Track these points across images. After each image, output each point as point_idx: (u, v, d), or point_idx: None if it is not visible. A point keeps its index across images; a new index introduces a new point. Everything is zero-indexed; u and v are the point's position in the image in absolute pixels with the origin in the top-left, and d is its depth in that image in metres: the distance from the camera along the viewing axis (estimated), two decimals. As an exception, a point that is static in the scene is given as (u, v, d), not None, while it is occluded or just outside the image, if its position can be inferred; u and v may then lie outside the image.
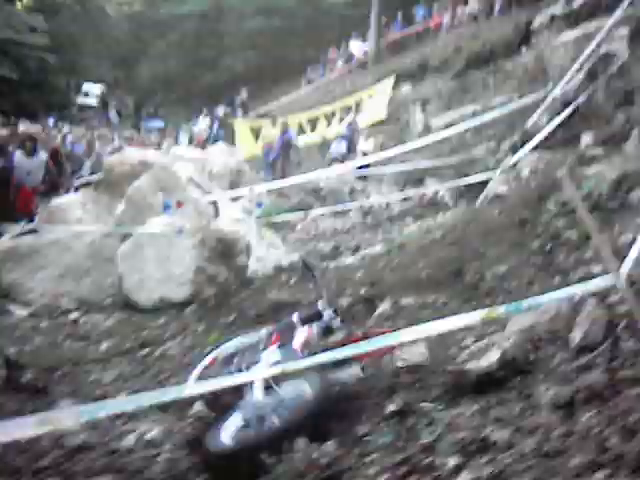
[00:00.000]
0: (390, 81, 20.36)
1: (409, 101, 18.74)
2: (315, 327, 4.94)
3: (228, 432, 3.99)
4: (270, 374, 4.21)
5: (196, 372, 4.94)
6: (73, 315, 7.97)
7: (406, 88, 19.82)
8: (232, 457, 3.90)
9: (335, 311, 5.07)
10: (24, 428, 3.83)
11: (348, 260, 9.15)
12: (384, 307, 6.59)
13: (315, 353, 4.32)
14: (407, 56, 22.53)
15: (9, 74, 26.12)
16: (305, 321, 5.00)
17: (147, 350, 6.90)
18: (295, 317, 5.05)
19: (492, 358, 4.18)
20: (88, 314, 8.01)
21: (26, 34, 26.33)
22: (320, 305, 5.05)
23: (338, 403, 4.42)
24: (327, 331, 4.99)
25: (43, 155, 11.91)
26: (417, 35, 24.80)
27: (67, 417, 3.96)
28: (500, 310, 4.13)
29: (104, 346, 7.04)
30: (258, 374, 4.35)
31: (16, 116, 22.29)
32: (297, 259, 8.19)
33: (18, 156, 11.69)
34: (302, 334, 4.88)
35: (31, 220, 10.26)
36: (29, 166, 11.69)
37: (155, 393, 4.39)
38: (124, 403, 4.47)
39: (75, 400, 5.51)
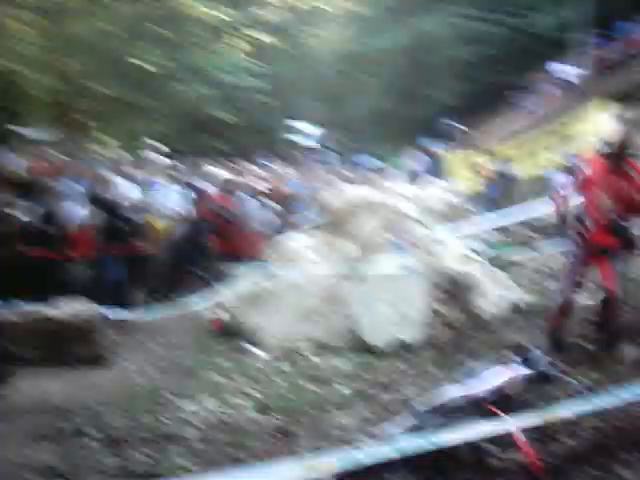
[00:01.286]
0: (607, 106, 19.43)
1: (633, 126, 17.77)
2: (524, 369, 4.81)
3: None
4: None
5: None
6: (312, 359, 8.10)
7: (630, 113, 18.83)
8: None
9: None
10: (286, 473, 3.89)
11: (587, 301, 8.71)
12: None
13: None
14: (623, 77, 21.52)
15: (231, 118, 27.59)
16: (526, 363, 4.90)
17: (387, 394, 6.89)
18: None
19: None
20: (326, 357, 8.11)
21: (248, 79, 27.70)
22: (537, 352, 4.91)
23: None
24: (542, 378, 4.85)
25: (269, 204, 12.50)
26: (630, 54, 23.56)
27: (323, 464, 3.98)
28: None
29: (344, 390, 7.10)
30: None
31: (236, 158, 23.40)
32: (530, 303, 7.93)
33: (245, 200, 12.31)
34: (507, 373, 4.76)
35: (258, 263, 10.63)
36: (255, 210, 12.28)
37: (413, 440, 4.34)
38: (379, 451, 4.44)
39: (321, 445, 5.57)
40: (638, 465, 4.52)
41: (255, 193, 12.77)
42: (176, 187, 13.26)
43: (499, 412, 4.78)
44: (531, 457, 4.54)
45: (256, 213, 12.62)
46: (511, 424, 4.59)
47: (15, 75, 20.93)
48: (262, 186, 14.31)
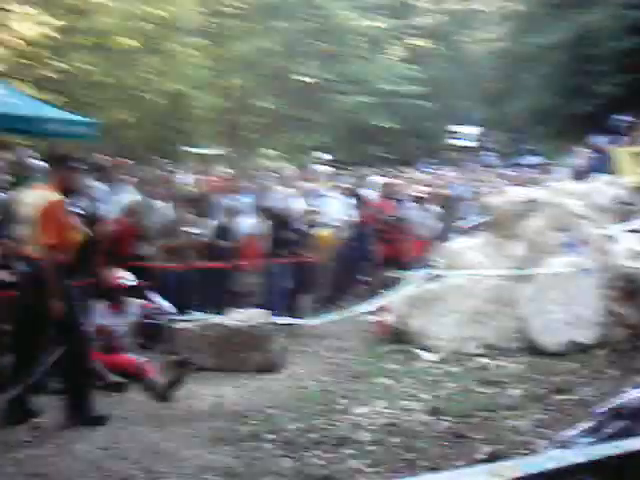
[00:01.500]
0: None
1: None
2: None
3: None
4: None
5: None
6: (481, 360, 8.00)
7: None
8: None
9: None
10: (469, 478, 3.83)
11: None
12: None
13: None
14: None
15: (391, 124, 27.70)
16: None
17: (561, 396, 6.71)
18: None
19: None
20: (495, 359, 8.00)
21: (403, 84, 27.74)
22: None
23: None
24: None
25: (431, 209, 12.51)
26: None
27: (507, 468, 3.89)
28: None
29: (516, 392, 6.98)
30: None
31: (397, 164, 23.50)
32: None
33: (406, 205, 12.38)
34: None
35: (422, 267, 10.61)
36: (418, 218, 12.32)
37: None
38: (563, 456, 4.30)
39: (495, 448, 5.49)
40: None
41: (417, 198, 12.77)
42: (339, 195, 13.46)
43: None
44: None
45: (418, 217, 12.61)
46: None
47: (183, 96, 21.92)
48: (424, 190, 14.27)
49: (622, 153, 21.59)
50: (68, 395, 6.44)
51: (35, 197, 6.37)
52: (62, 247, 6.26)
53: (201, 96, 22.61)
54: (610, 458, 4.31)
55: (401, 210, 12.75)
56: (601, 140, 24.21)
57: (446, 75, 34.17)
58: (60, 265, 6.26)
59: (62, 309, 6.21)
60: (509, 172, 19.66)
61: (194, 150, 20.34)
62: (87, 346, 6.59)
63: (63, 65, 21.07)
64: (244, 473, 5.25)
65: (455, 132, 32.94)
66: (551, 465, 4.12)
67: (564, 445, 4.65)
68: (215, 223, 10.51)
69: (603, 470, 4.53)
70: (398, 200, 13.15)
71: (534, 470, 4.05)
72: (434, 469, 5.06)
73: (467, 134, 32.42)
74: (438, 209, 13.77)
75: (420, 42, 32.29)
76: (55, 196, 6.27)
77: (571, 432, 5.24)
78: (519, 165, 25.23)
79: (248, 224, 10.89)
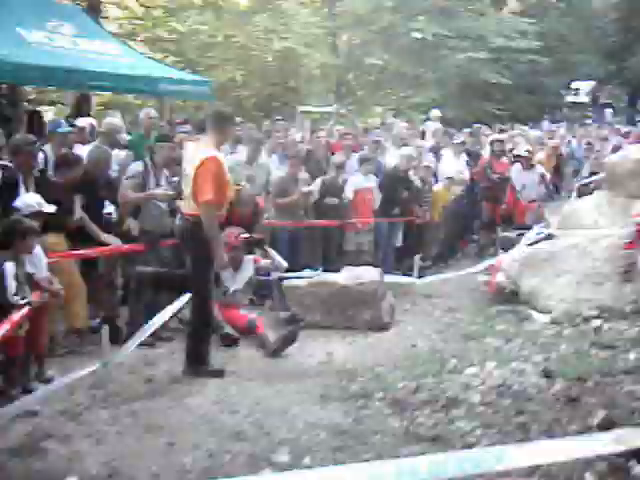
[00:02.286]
0: None
1: None
2: None
3: None
4: None
5: None
6: (595, 322, 7.78)
7: None
8: None
9: None
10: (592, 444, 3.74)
11: None
12: None
13: None
14: None
15: (503, 80, 27.04)
16: None
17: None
18: None
19: None
20: (610, 321, 7.76)
21: (516, 39, 26.97)
22: None
23: None
24: None
25: (539, 169, 12.23)
26: None
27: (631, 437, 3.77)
28: None
29: (632, 356, 6.76)
30: None
31: (510, 121, 22.99)
32: None
33: (515, 170, 12.15)
34: None
35: (536, 226, 10.38)
36: (525, 179, 12.06)
37: None
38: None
39: (609, 413, 5.36)
40: None
41: (525, 158, 12.43)
42: (452, 152, 13.28)
43: None
44: None
45: (526, 178, 12.29)
46: None
47: (293, 54, 21.97)
48: (535, 149, 13.92)
49: None
50: (189, 346, 6.63)
51: (194, 154, 6.54)
52: (219, 204, 6.41)
53: (311, 53, 22.61)
54: None
55: (510, 168, 12.48)
56: None
57: (562, 29, 33.03)
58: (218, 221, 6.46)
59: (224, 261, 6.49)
60: (625, 129, 18.98)
61: (305, 108, 20.34)
62: (211, 299, 6.76)
63: (175, 25, 21.42)
64: (353, 430, 5.31)
65: (570, 88, 31.87)
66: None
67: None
68: (324, 180, 10.50)
69: None
70: (508, 158, 12.90)
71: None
72: (546, 432, 4.99)
73: (583, 90, 31.31)
74: (550, 169, 13.45)
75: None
76: (212, 153, 6.39)
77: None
78: (636, 122, 24.30)
79: (359, 181, 10.86)
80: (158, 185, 7.74)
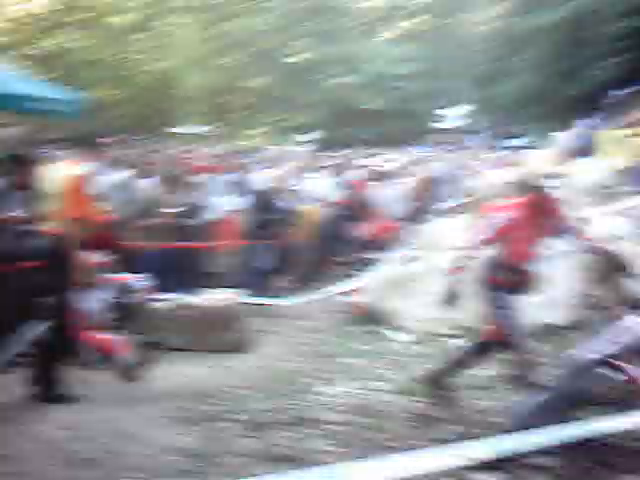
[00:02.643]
0: None
1: None
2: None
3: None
4: None
5: None
6: (454, 341, 7.98)
7: None
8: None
9: None
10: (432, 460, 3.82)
11: None
12: None
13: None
14: None
15: (377, 105, 27.65)
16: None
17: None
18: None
19: None
20: (467, 340, 7.95)
21: (390, 65, 27.67)
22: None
23: None
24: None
25: (404, 190, 12.51)
26: None
27: (471, 450, 3.87)
28: None
29: (486, 373, 6.94)
30: None
31: (382, 145, 23.44)
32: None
33: (380, 192, 12.41)
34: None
35: (398, 248, 10.57)
36: (390, 200, 12.32)
37: None
38: (529, 438, 4.26)
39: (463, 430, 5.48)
40: None
41: (397, 180, 12.69)
42: (323, 175, 13.41)
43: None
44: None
45: (396, 199, 12.54)
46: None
47: (170, 75, 21.81)
48: (407, 172, 14.24)
49: (610, 135, 21.62)
50: (41, 370, 6.37)
51: (57, 172, 6.45)
52: (83, 222, 6.32)
53: (188, 75, 22.51)
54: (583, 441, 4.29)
55: (378, 191, 12.71)
56: (587, 123, 24.21)
57: (437, 56, 34.04)
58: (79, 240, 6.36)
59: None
60: (495, 154, 19.65)
61: (177, 129, 20.19)
62: (67, 320, 6.53)
63: (53, 42, 20.96)
64: (205, 453, 5.23)
65: (444, 114, 32.75)
66: (519, 447, 4.10)
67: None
68: (188, 202, 10.39)
69: (574, 453, 4.54)
70: (377, 181, 13.12)
71: (499, 452, 4.03)
72: (403, 450, 5.05)
73: (455, 116, 32.22)
74: (421, 191, 13.74)
75: (412, 23, 32.09)
76: (77, 171, 6.44)
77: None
78: (506, 147, 25.16)
79: (226, 204, 10.79)
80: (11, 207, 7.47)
